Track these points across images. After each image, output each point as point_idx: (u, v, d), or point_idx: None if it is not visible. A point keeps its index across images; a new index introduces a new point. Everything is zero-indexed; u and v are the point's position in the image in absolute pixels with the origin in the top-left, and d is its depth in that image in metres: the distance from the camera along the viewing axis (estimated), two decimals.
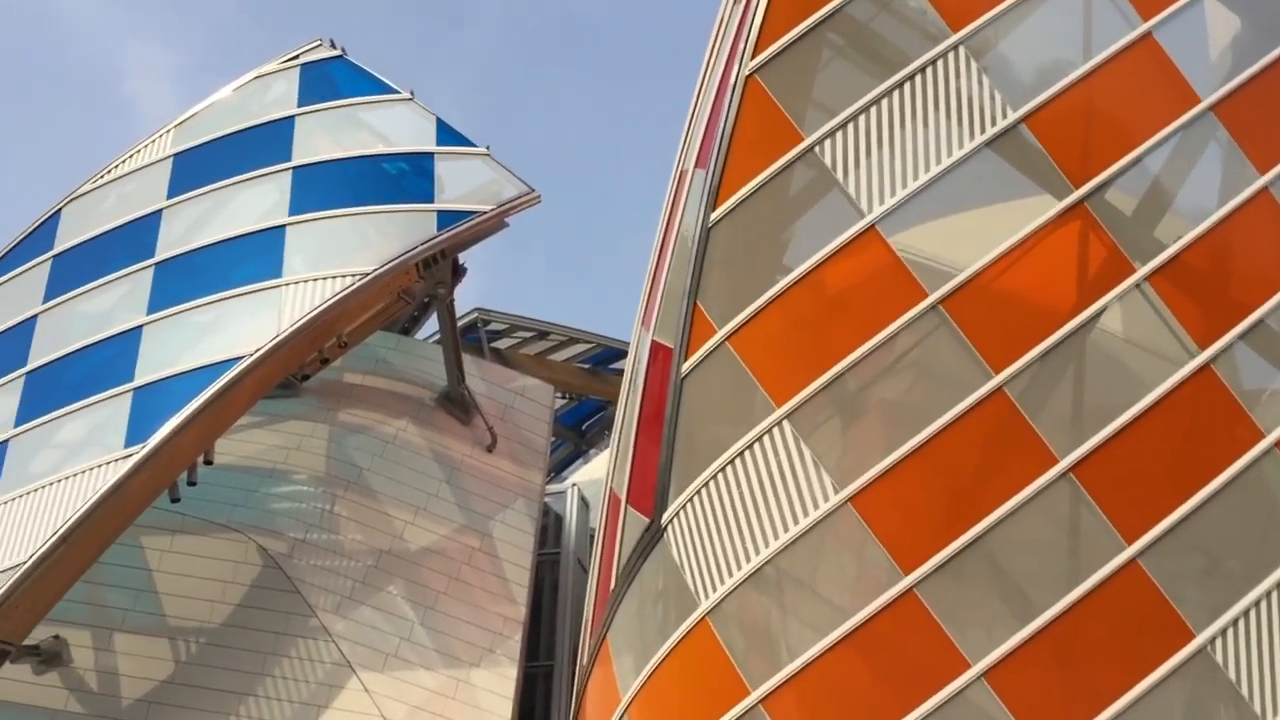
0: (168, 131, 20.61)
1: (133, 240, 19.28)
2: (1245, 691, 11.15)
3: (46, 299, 19.24)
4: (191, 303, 18.38)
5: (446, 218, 18.98)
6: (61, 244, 19.80)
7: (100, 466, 16.76)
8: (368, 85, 20.65)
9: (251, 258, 18.67)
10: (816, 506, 12.20)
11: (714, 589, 12.72)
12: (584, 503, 22.26)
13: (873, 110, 12.93)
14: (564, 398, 27.82)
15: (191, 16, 60.63)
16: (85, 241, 19.65)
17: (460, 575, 18.92)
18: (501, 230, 19.79)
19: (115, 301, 18.79)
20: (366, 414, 20.29)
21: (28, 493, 16.96)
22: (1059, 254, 12.33)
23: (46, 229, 20.19)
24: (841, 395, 12.67)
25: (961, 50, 12.87)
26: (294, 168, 19.45)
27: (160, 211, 19.53)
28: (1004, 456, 11.89)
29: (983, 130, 12.65)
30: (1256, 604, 11.33)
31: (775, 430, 12.63)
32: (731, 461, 12.95)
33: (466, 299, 23.91)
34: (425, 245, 18.73)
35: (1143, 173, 12.66)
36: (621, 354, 26.97)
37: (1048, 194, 12.41)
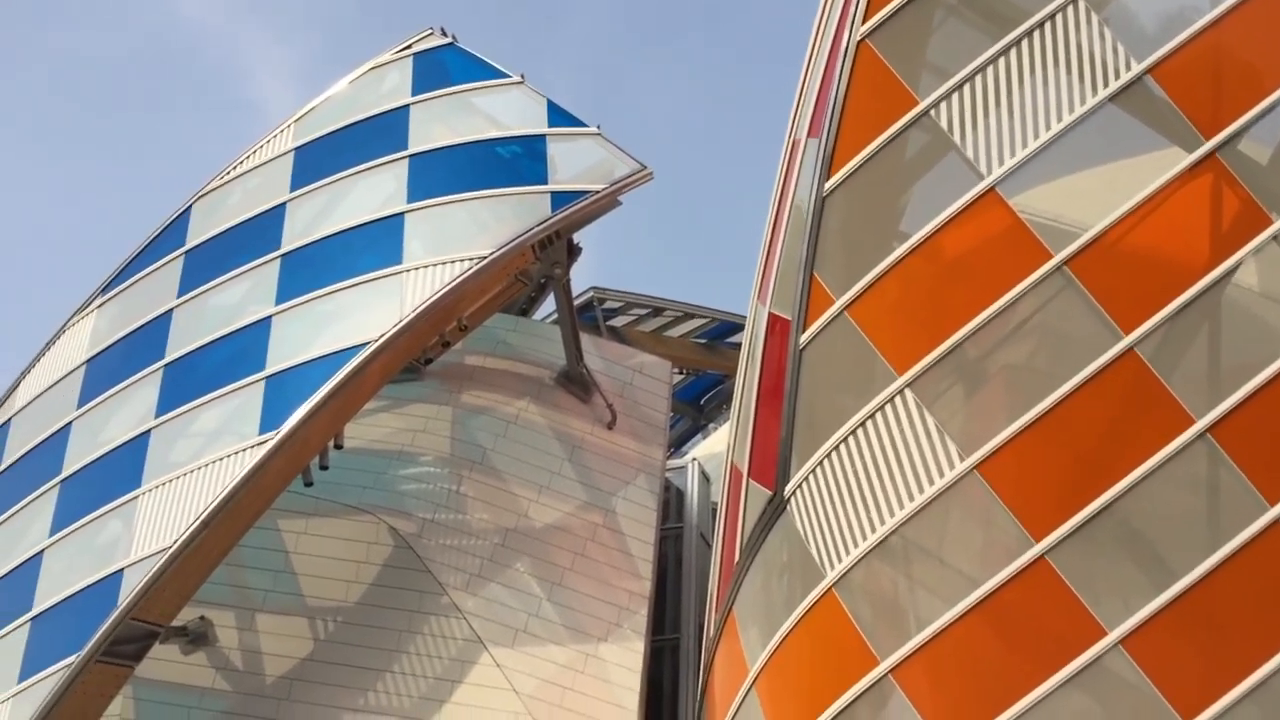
0: (288, 127, 21.15)
1: (259, 234, 19.85)
2: None
3: (181, 293, 19.92)
4: (317, 292, 18.85)
5: (560, 198, 19.14)
6: (193, 240, 20.47)
7: (237, 453, 17.33)
8: (479, 71, 20.90)
9: (373, 246, 19.08)
10: (941, 475, 12.05)
11: (839, 560, 12.67)
12: (705, 477, 22.32)
13: (989, 70, 12.66)
14: (681, 373, 27.91)
15: (308, 15, 62.06)
16: (214, 237, 20.29)
17: (585, 551, 19.14)
18: (615, 209, 19.88)
19: (245, 293, 19.38)
20: (488, 395, 20.62)
21: (170, 480, 17.62)
22: (1190, 208, 11.93)
23: (178, 226, 20.90)
24: (963, 362, 12.47)
25: (1081, 3, 12.51)
26: (410, 156, 19.80)
27: (284, 204, 20.05)
28: (1136, 419, 11.58)
29: (1105, 84, 12.29)
30: None
31: (897, 399, 12.51)
32: (853, 432, 12.87)
33: (582, 278, 24.10)
34: (540, 227, 18.91)
35: (1277, 121, 12.17)
36: (737, 328, 26.93)
37: (1176, 147, 12.02)
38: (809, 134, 14.15)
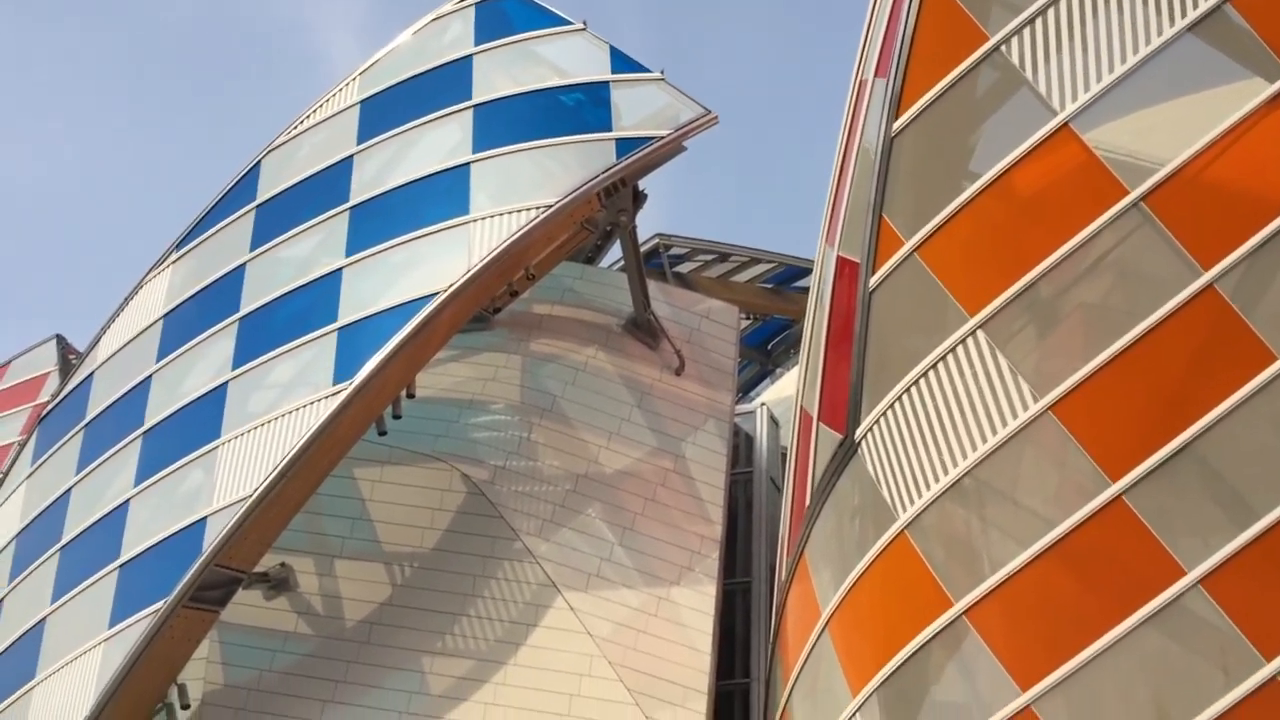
0: (353, 80, 21.26)
1: (328, 187, 20.04)
2: None
3: (253, 247, 20.21)
4: (386, 244, 19.03)
5: (625, 145, 19.08)
6: (263, 194, 20.72)
7: (312, 404, 17.64)
8: (541, 18, 20.83)
9: (439, 197, 19.19)
10: (1015, 416, 11.95)
11: (912, 502, 12.65)
12: (774, 422, 22.31)
13: (1062, 2, 12.37)
14: (748, 318, 27.84)
15: None
16: (284, 191, 20.52)
17: (656, 496, 19.27)
18: (679, 154, 19.79)
19: (315, 246, 19.62)
20: (557, 343, 20.74)
21: (248, 431, 17.99)
22: (1271, 140, 11.61)
23: (248, 181, 21.16)
24: (1037, 302, 12.32)
25: None
26: (474, 106, 19.84)
27: (351, 157, 20.22)
28: (1216, 356, 11.37)
29: (1183, 14, 11.95)
30: None
31: (969, 340, 12.40)
32: (925, 374, 12.78)
33: (647, 225, 24.05)
34: (605, 174, 18.89)
35: None
36: (804, 272, 26.77)
37: (1257, 77, 11.68)
38: (876, 74, 13.96)
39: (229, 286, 19.85)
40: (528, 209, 18.54)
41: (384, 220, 19.36)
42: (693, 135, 19.51)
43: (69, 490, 19.83)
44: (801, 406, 15.77)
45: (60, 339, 28.95)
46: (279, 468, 17.06)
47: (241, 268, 20.05)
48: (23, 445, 23.01)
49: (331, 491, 18.70)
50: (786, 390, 23.73)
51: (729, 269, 27.70)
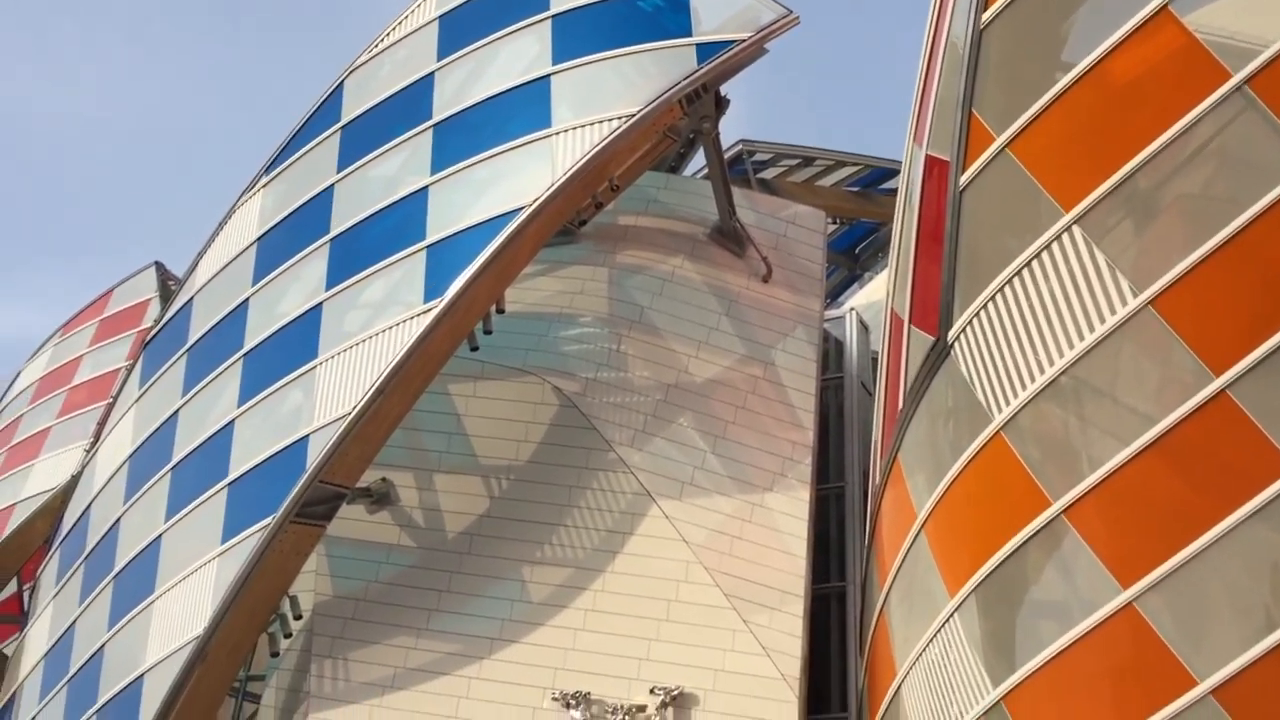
0: None
1: (410, 104, 20.08)
2: None
3: (340, 168, 20.39)
4: (470, 160, 19.07)
5: (705, 50, 18.78)
6: (347, 115, 20.84)
7: (404, 322, 17.89)
8: None
9: (521, 110, 19.13)
10: (1113, 312, 11.71)
11: (1007, 403, 12.51)
12: (863, 326, 22.12)
13: None
14: (835, 222, 27.55)
15: None
16: (368, 110, 20.61)
17: (747, 404, 19.28)
18: (761, 58, 19.43)
19: (401, 165, 19.73)
20: (643, 254, 20.71)
21: (344, 350, 18.33)
22: None
23: (333, 102, 21.28)
24: (1134, 194, 11.98)
25: None
26: (553, 16, 19.64)
27: (432, 74, 20.20)
28: None
29: None
30: None
31: (1064, 236, 12.13)
32: (1019, 272, 12.56)
33: (731, 131, 23.73)
34: (687, 80, 18.63)
35: None
36: (891, 174, 26.34)
37: None
38: None
39: (318, 208, 20.09)
40: (609, 119, 18.41)
41: (467, 136, 19.38)
42: (774, 37, 19.12)
43: (176, 412, 20.45)
44: (892, 310, 15.62)
45: (159, 266, 29.68)
46: (375, 385, 17.38)
47: (330, 189, 20.26)
48: (130, 370, 23.75)
49: (427, 407, 19.02)
50: (876, 295, 23.49)
51: (814, 173, 27.36)
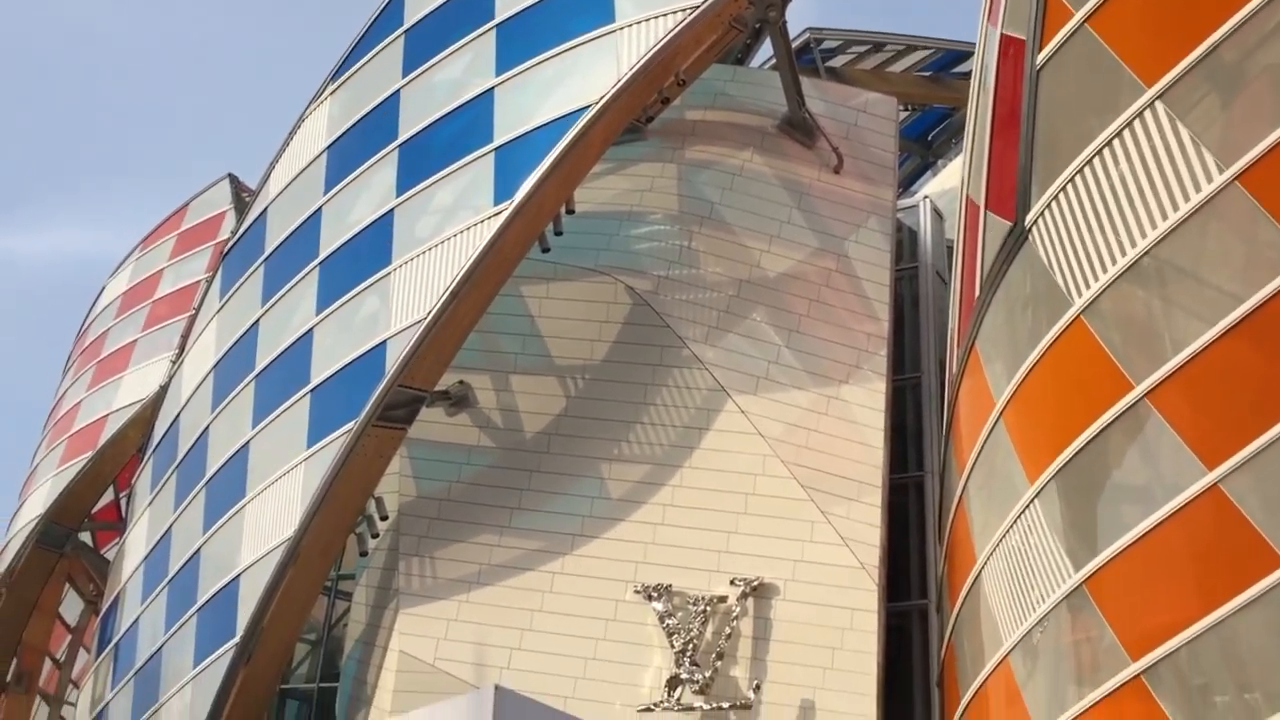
0: None
1: (472, 5, 19.90)
2: None
3: (405, 73, 20.34)
4: (534, 60, 18.91)
5: None
6: (410, 18, 20.72)
7: (475, 226, 17.96)
8: None
9: (584, 7, 18.87)
10: (1198, 189, 11.40)
11: (1087, 287, 12.31)
12: (937, 215, 21.76)
13: None
14: (906, 109, 26.98)
15: None
16: (431, 13, 20.47)
17: (820, 297, 19.16)
18: None
19: (466, 67, 19.63)
20: (712, 148, 20.49)
21: (417, 256, 18.49)
22: None
23: (395, 7, 21.16)
24: (1219, 67, 11.58)
25: None
26: None
27: None
28: None
29: None
30: None
31: (1147, 113, 11.79)
32: (1099, 152, 12.26)
33: (797, 20, 23.30)
34: None
35: None
36: (964, 56, 25.65)
37: None
38: None
39: (386, 114, 20.11)
40: (674, 12, 18.10)
41: (530, 36, 19.19)
42: None
43: (257, 322, 20.85)
44: (967, 196, 15.37)
45: (233, 178, 30.00)
46: (449, 289, 17.54)
47: (396, 94, 20.25)
48: (210, 282, 24.20)
49: (501, 310, 19.16)
50: (950, 181, 23.09)
51: (884, 59, 26.73)
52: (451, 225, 18.22)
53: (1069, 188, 12.53)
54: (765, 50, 21.68)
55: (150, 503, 22.77)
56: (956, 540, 15.40)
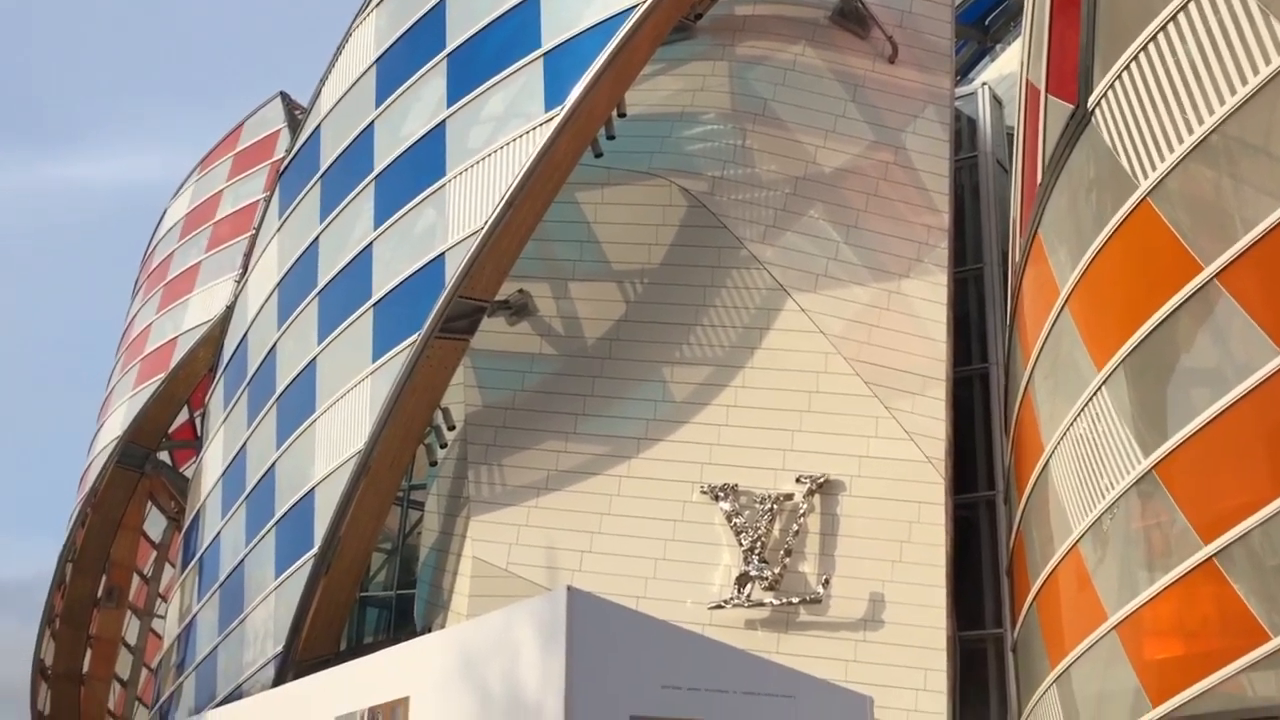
0: None
1: None
2: None
3: None
4: None
5: None
6: None
7: (527, 133, 17.85)
8: None
9: None
10: (1268, 62, 11.03)
11: (1153, 168, 12.04)
12: (996, 101, 21.29)
13: None
14: None
15: None
16: None
17: (878, 191, 18.91)
18: None
19: None
20: (762, 43, 20.12)
21: (471, 166, 18.44)
22: None
23: None
24: None
25: None
26: None
27: None
28: None
29: None
30: None
31: None
32: (1163, 27, 11.89)
33: None
34: None
35: None
36: None
37: None
38: None
39: (433, 23, 19.91)
40: None
41: None
42: None
43: (316, 239, 21.01)
44: (1027, 80, 15.01)
45: (284, 96, 30.01)
46: (504, 199, 17.52)
47: (441, 3, 20.02)
48: (268, 201, 24.38)
49: (557, 218, 19.12)
50: (1009, 66, 22.52)
51: None
52: (503, 134, 18.14)
53: (1132, 66, 12.19)
54: None
55: (224, 421, 23.27)
56: (1023, 430, 15.34)
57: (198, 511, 23.78)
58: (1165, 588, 11.77)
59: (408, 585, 20.72)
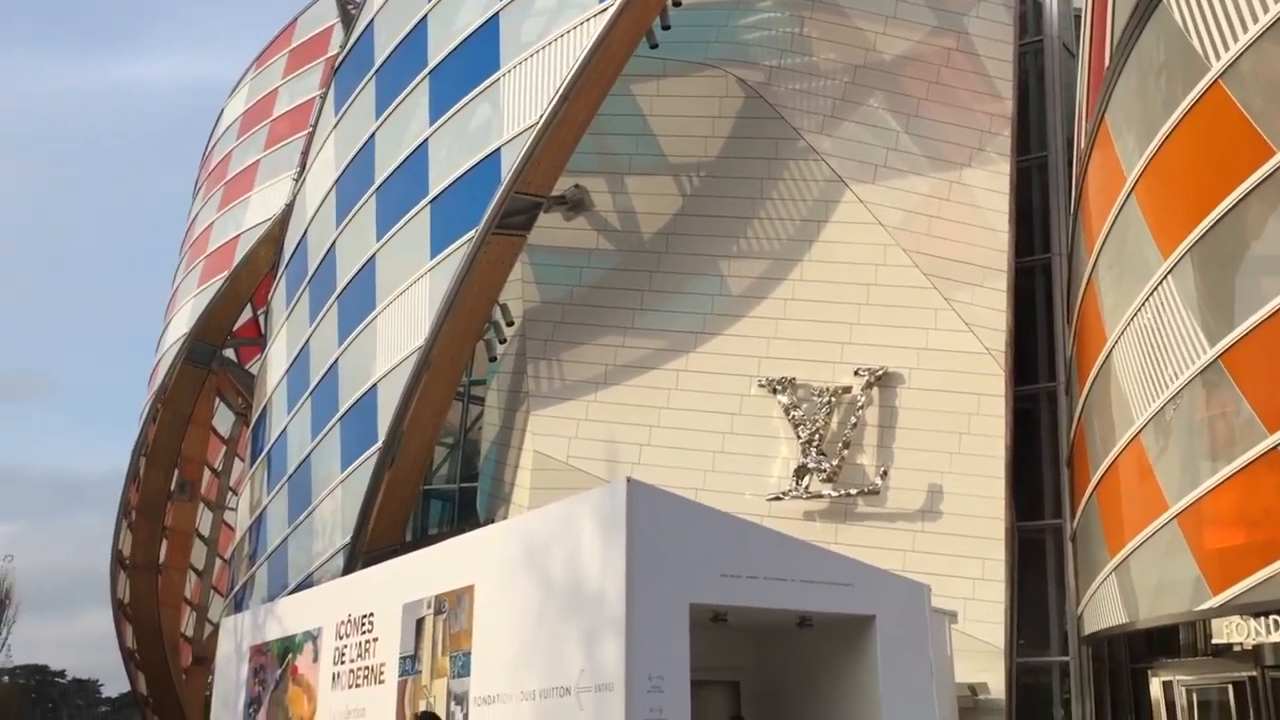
0: None
1: None
2: None
3: None
4: None
5: None
6: None
7: (582, 24, 17.58)
8: None
9: None
10: None
11: (1226, 49, 11.65)
12: None
13: None
14: None
15: None
16: None
17: (940, 78, 18.49)
18: None
19: None
20: None
21: (525, 59, 18.24)
22: None
23: None
24: None
25: None
26: None
27: None
28: None
29: None
30: None
31: None
32: None
33: None
34: None
35: None
36: None
37: None
38: None
39: None
40: None
41: None
42: None
43: (373, 136, 20.99)
44: None
45: None
46: (559, 92, 17.35)
47: None
48: (324, 98, 24.33)
49: (613, 111, 18.94)
50: None
51: None
52: (557, 26, 17.89)
53: None
54: None
55: (287, 318, 23.58)
56: (1085, 321, 15.15)
57: (264, 407, 24.24)
58: (1228, 478, 11.69)
59: (470, 478, 21.08)
